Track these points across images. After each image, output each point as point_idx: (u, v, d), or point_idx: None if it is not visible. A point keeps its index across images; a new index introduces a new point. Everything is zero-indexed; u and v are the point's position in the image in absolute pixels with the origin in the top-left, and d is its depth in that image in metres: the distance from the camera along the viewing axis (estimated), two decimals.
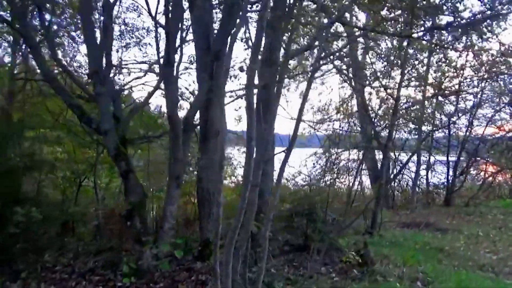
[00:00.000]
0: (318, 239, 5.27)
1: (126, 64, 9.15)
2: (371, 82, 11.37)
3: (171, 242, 5.06)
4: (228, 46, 4.57)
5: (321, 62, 6.95)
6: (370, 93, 11.74)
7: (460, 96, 13.02)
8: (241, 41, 5.98)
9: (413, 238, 7.25)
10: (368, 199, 14.23)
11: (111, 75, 6.93)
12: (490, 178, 16.30)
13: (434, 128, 13.45)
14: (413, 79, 11.15)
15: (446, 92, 12.88)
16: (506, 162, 17.10)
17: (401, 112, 10.98)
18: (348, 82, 12.56)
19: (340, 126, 13.05)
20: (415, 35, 6.99)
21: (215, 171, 4.39)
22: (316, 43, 5.46)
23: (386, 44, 10.85)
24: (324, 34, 4.94)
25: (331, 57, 9.47)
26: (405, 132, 13.97)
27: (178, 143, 5.10)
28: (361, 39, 10.42)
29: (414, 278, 4.73)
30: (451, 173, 13.07)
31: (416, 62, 11.80)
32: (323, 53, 6.25)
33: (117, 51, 8.82)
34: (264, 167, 5.07)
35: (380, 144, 12.89)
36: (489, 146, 13.73)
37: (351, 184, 13.34)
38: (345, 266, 5.04)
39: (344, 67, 12.01)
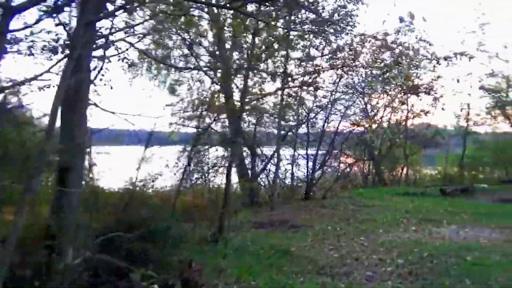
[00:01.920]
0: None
1: None
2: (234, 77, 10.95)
3: None
4: None
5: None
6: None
7: (319, 91, 13.61)
8: None
9: (262, 241, 6.76)
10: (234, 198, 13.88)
11: None
12: (348, 169, 17.65)
13: (297, 123, 13.76)
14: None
15: (306, 87, 13.34)
16: (359, 154, 18.83)
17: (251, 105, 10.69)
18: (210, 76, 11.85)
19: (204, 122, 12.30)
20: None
21: None
22: None
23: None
24: None
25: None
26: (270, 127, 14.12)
27: None
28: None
29: None
30: (311, 166, 13.47)
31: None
32: None
33: None
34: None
35: (245, 139, 12.60)
36: (344, 139, 14.60)
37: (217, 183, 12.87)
38: None
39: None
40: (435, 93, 17.72)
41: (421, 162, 20.18)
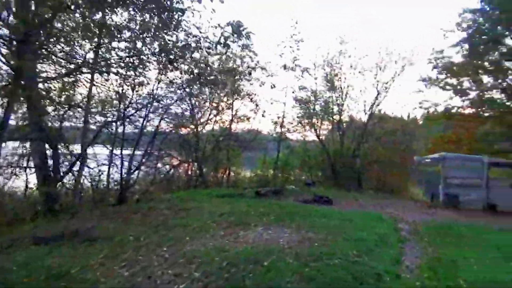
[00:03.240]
0: None
1: None
2: None
3: None
4: None
5: None
6: None
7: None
8: None
9: (38, 262, 5.28)
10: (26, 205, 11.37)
11: None
12: (172, 171, 16.97)
13: (114, 120, 12.28)
14: None
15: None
16: (185, 156, 18.46)
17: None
18: None
19: None
20: None
21: None
22: None
23: None
24: None
25: None
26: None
27: None
28: None
29: None
30: (128, 167, 12.19)
31: None
32: None
33: None
34: None
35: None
36: (163, 140, 13.86)
37: None
38: None
39: None
40: (256, 100, 19.01)
41: (242, 164, 21.28)
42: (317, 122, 22.04)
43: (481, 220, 10.83)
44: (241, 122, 19.81)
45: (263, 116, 19.02)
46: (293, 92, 19.11)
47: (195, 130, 17.78)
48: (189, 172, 18.52)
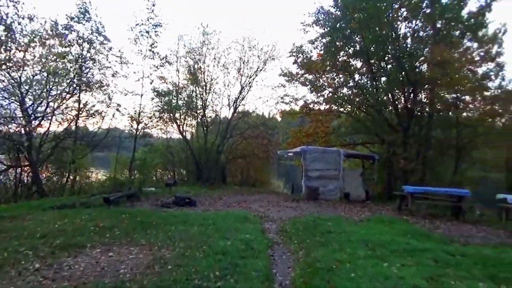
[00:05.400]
0: None
1: None
2: None
3: None
4: None
5: None
6: None
7: None
8: None
9: None
10: None
11: None
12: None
13: None
14: None
15: None
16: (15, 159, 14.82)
17: None
18: None
19: None
20: None
21: None
22: None
23: None
24: None
25: None
26: None
27: None
28: None
29: None
30: None
31: None
32: None
33: None
34: None
35: None
36: None
37: None
38: None
39: None
40: (109, 92, 16.46)
41: (93, 166, 18.35)
42: (180, 118, 20.66)
43: (341, 212, 11.11)
44: (92, 117, 16.92)
45: (118, 110, 16.57)
46: (151, 83, 17.16)
47: (26, 127, 14.22)
48: (26, 179, 14.89)
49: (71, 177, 16.24)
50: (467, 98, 15.67)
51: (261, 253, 5.75)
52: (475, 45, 15.84)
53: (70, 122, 16.51)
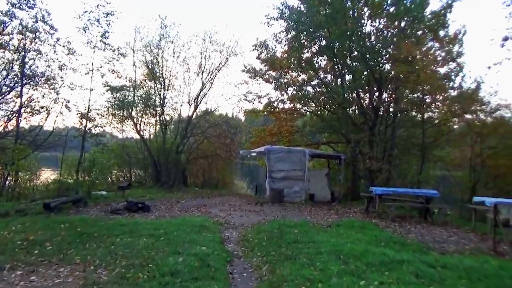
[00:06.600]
0: None
1: None
2: None
3: None
4: None
5: None
6: None
7: None
8: None
9: None
10: None
11: None
12: None
13: None
14: None
15: None
16: None
17: None
18: None
19: None
20: None
21: None
22: None
23: None
24: None
25: None
26: None
27: None
28: None
29: None
30: None
31: None
32: None
33: None
34: None
35: None
36: None
37: None
38: None
39: None
40: (56, 87, 14.92)
41: (38, 167, 16.65)
42: (137, 115, 19.32)
43: (307, 216, 10.46)
44: (36, 114, 15.21)
45: (66, 107, 15.00)
46: (102, 77, 15.72)
47: None
48: None
49: (12, 180, 14.52)
50: (430, 98, 15.65)
51: (218, 271, 4.89)
52: (437, 45, 15.86)
53: (10, 119, 14.81)
